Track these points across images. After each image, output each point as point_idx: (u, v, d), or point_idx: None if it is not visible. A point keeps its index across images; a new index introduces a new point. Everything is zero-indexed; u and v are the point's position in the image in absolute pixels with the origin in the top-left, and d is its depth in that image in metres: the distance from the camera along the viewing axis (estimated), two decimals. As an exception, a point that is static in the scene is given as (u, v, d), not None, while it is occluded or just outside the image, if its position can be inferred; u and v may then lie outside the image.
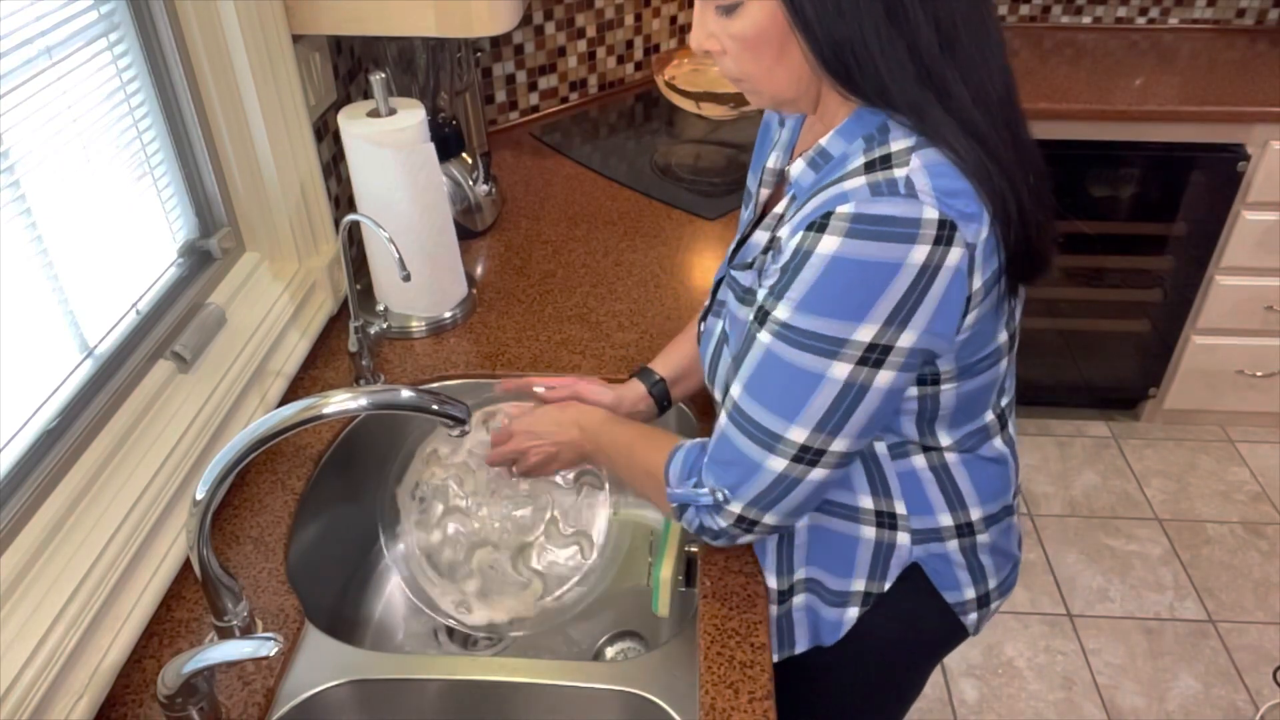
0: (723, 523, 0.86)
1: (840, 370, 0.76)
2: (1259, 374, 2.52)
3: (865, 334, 0.74)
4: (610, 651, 1.19)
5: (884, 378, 0.77)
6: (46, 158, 0.92)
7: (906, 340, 0.75)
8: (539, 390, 1.12)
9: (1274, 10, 2.59)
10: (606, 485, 1.12)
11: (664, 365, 1.16)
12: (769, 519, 0.85)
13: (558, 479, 1.13)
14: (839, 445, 0.80)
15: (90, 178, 0.99)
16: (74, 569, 0.86)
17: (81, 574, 0.86)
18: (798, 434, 0.79)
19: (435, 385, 1.28)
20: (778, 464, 0.81)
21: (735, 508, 0.85)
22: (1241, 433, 2.70)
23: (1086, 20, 2.66)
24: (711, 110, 2.01)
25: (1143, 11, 2.63)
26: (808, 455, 0.80)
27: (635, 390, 1.14)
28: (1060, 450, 2.66)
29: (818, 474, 0.81)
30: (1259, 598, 2.23)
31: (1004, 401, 0.93)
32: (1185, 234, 2.36)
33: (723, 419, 0.85)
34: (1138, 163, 2.27)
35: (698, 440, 0.91)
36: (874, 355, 0.75)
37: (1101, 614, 2.20)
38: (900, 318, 0.74)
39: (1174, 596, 2.24)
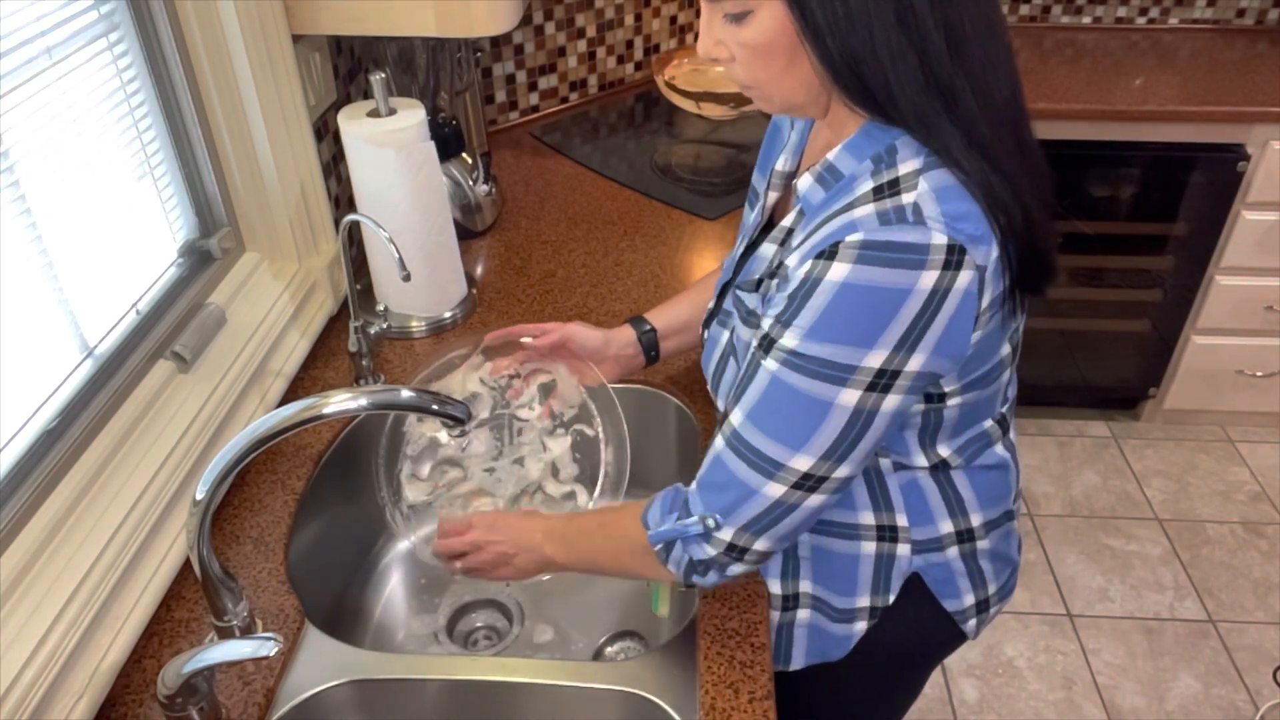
0: (712, 551, 0.84)
1: (849, 397, 0.75)
2: (1259, 374, 2.52)
3: (875, 360, 0.73)
4: (610, 651, 1.19)
5: (891, 402, 0.76)
6: (47, 158, 0.92)
7: (914, 364, 0.74)
8: (527, 340, 1.12)
9: (1274, 10, 2.59)
10: (601, 430, 1.12)
11: (658, 317, 1.16)
12: (760, 544, 0.83)
13: (554, 425, 1.13)
14: (842, 471, 0.79)
15: (90, 178, 0.99)
16: (74, 569, 0.86)
17: (81, 574, 0.86)
18: (802, 462, 0.77)
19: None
20: (775, 490, 0.79)
21: (726, 534, 0.82)
22: (1241, 433, 2.70)
23: (1086, 20, 2.66)
24: (711, 110, 2.01)
25: (1143, 11, 2.63)
26: (809, 483, 0.79)
27: (624, 335, 1.14)
28: (1060, 450, 2.66)
29: (815, 500, 0.80)
30: (1259, 598, 2.23)
31: (1004, 408, 0.93)
32: (1185, 234, 2.36)
33: (718, 444, 0.83)
34: (1138, 163, 2.27)
35: (669, 487, 0.89)
36: (883, 381, 0.74)
37: (1101, 614, 2.20)
38: (910, 342, 0.73)
39: (1174, 596, 2.24)
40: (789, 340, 0.76)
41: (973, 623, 1.01)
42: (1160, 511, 2.47)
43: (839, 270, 0.72)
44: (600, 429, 1.12)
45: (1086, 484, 2.55)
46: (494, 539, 0.98)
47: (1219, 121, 2.19)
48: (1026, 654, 2.11)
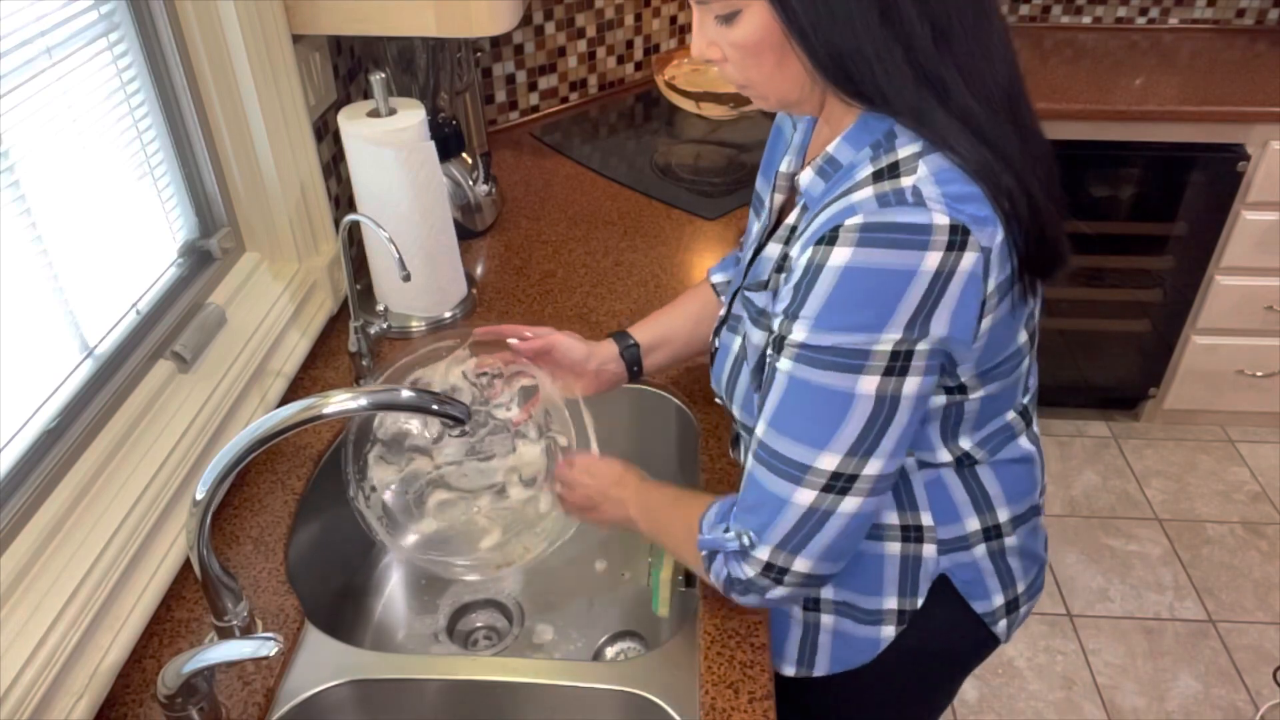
0: (750, 571, 0.81)
1: (869, 385, 0.73)
2: (1259, 374, 2.52)
3: (887, 343, 0.72)
4: (610, 651, 1.19)
5: (911, 385, 0.74)
6: (47, 158, 0.92)
7: (927, 343, 0.73)
8: (512, 342, 1.11)
9: (1274, 10, 2.59)
10: (573, 442, 1.11)
11: (642, 332, 1.15)
12: (800, 565, 0.79)
13: (531, 431, 1.13)
14: (872, 468, 0.76)
15: (90, 178, 0.99)
16: (74, 569, 0.86)
17: (81, 574, 0.86)
18: (828, 461, 0.75)
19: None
20: (805, 496, 0.77)
21: (762, 553, 0.80)
22: (1241, 433, 2.70)
23: (1086, 20, 2.66)
24: (711, 110, 2.01)
25: (1143, 11, 2.63)
26: (839, 483, 0.76)
27: (607, 350, 1.13)
28: (1060, 450, 2.66)
29: (850, 504, 0.77)
30: (1259, 598, 2.23)
31: (1026, 399, 0.92)
32: (1185, 234, 2.36)
33: (749, 461, 0.81)
34: (1138, 163, 2.27)
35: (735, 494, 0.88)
36: (899, 363, 0.73)
37: (1101, 614, 2.20)
38: (919, 322, 0.72)
39: (1174, 596, 2.24)
40: (798, 334, 0.75)
41: (1003, 624, 0.99)
42: (1160, 511, 2.47)
43: (840, 254, 0.72)
44: (573, 440, 1.11)
45: (1086, 484, 2.55)
46: (586, 482, 1.01)
47: (1219, 121, 2.19)
48: (1026, 654, 2.11)
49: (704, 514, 0.88)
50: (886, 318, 0.72)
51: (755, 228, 0.99)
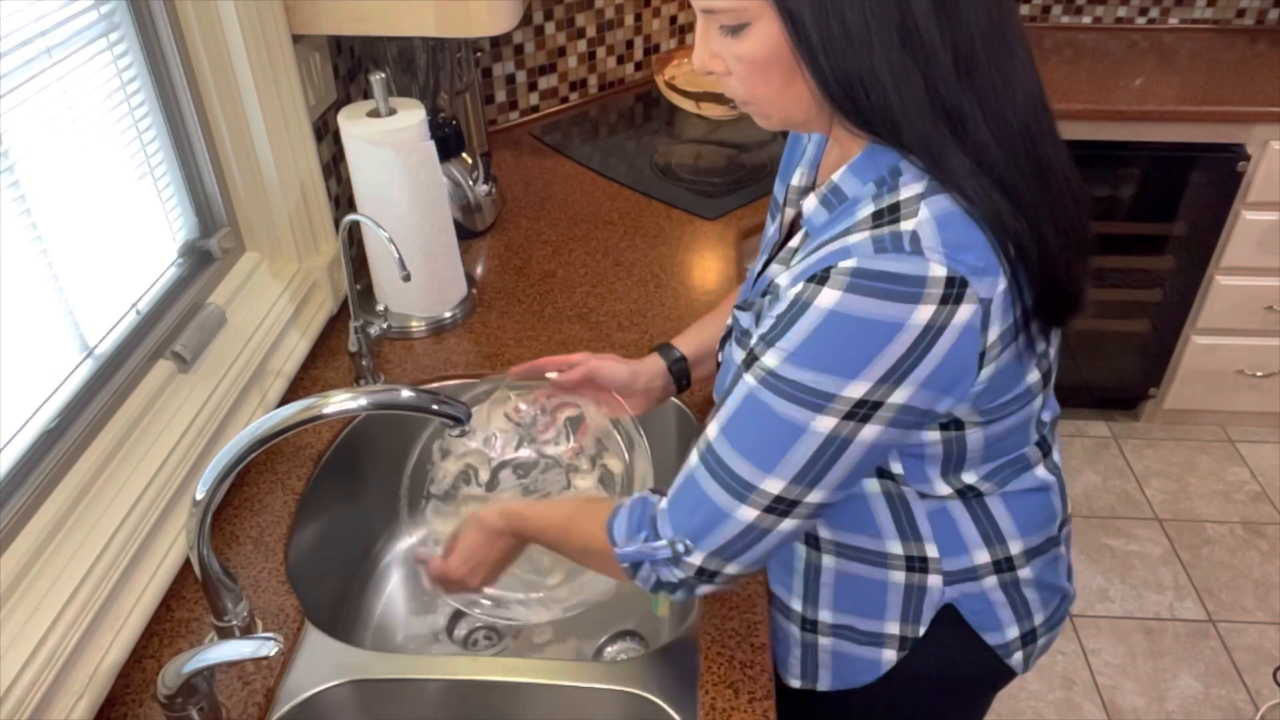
0: (681, 574, 0.81)
1: (824, 424, 0.71)
2: (1259, 374, 2.52)
3: (857, 390, 0.70)
4: (610, 651, 1.19)
5: (869, 432, 0.72)
6: (47, 158, 0.92)
7: (899, 397, 0.70)
8: (552, 376, 1.09)
9: (1274, 10, 2.59)
10: (626, 466, 1.09)
11: (687, 343, 1.12)
12: (731, 568, 0.80)
13: (583, 463, 1.11)
14: (815, 497, 0.75)
15: (90, 178, 0.99)
16: (74, 569, 0.86)
17: (81, 574, 0.86)
18: (773, 485, 0.74)
19: (435, 385, 1.28)
20: (748, 514, 0.76)
21: (697, 559, 0.79)
22: (1241, 433, 2.70)
23: (1086, 20, 2.66)
24: (711, 110, 2.01)
25: (1143, 11, 2.63)
26: (780, 506, 0.75)
27: (653, 365, 1.10)
28: (1060, 450, 2.66)
29: (788, 524, 0.77)
30: (1259, 598, 2.23)
31: (1044, 430, 0.88)
32: (1185, 234, 2.36)
33: (692, 460, 0.79)
34: (1138, 163, 2.27)
35: (637, 496, 0.86)
36: (862, 411, 0.71)
37: (1101, 614, 2.20)
38: (896, 376, 0.69)
39: (1174, 596, 2.24)
40: (771, 360, 0.73)
41: (1019, 655, 0.95)
42: (1160, 511, 2.47)
43: (829, 297, 0.69)
44: (626, 465, 1.09)
45: (1086, 484, 2.55)
46: (460, 551, 0.98)
47: (1219, 121, 2.19)
48: (1026, 654, 2.11)
49: (609, 527, 0.85)
50: (860, 368, 0.69)
51: (769, 231, 0.97)
